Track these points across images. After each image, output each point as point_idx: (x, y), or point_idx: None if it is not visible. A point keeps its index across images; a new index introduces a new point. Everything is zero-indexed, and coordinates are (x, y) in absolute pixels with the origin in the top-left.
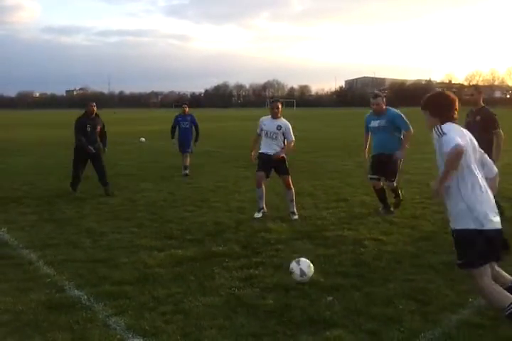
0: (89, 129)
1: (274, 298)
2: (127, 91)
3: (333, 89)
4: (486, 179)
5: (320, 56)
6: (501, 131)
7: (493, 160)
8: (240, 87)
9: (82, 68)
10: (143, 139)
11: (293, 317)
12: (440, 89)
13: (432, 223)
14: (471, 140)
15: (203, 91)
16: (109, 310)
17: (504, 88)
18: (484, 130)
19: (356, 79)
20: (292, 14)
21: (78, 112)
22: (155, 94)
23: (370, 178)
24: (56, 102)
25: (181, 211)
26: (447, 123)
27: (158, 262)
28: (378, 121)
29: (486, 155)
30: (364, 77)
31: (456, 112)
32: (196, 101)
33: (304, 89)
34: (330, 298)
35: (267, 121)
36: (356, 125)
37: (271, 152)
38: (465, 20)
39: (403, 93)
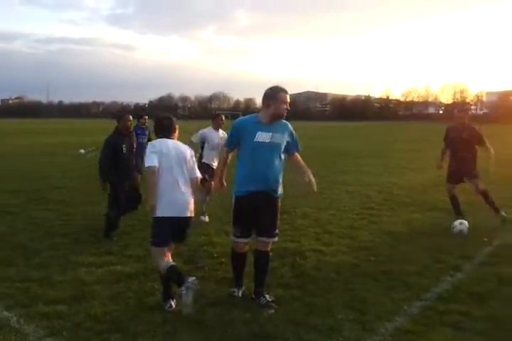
0: (125, 151)
1: (217, 313)
2: (67, 100)
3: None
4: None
5: (265, 70)
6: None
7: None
8: (185, 98)
9: (20, 76)
10: (82, 151)
11: (235, 331)
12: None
13: (369, 233)
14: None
15: (147, 102)
16: (42, 332)
17: (437, 104)
18: (470, 145)
19: (300, 93)
20: (238, 28)
21: (16, 121)
22: (96, 104)
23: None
24: None
25: (122, 226)
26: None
27: (96, 279)
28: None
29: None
30: (307, 92)
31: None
32: (140, 112)
33: (249, 102)
34: (271, 311)
35: (209, 133)
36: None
37: (215, 164)
38: (402, 38)
39: (344, 108)
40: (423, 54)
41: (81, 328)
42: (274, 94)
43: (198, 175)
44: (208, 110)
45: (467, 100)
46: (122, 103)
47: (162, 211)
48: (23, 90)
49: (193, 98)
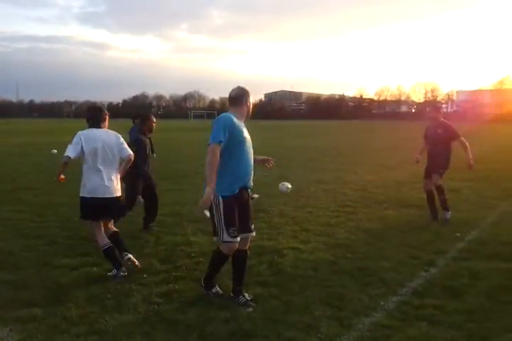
0: (147, 151)
1: (195, 312)
2: (38, 100)
3: (253, 102)
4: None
5: (240, 69)
6: (462, 139)
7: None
8: (159, 97)
9: None
10: (55, 151)
11: (214, 330)
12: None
13: (346, 230)
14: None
15: (120, 101)
16: (16, 336)
17: (409, 103)
18: (445, 140)
19: (275, 92)
20: (212, 27)
21: None
22: (69, 104)
23: None
24: None
25: None
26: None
27: (72, 281)
28: None
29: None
30: (282, 91)
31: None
32: (114, 111)
33: (225, 101)
34: (250, 309)
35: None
36: (275, 137)
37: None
38: (374, 39)
39: (318, 107)
40: (395, 53)
41: (57, 331)
42: (249, 94)
43: (129, 152)
44: (182, 109)
45: (438, 99)
46: (95, 102)
47: (89, 192)
48: None
49: (167, 97)
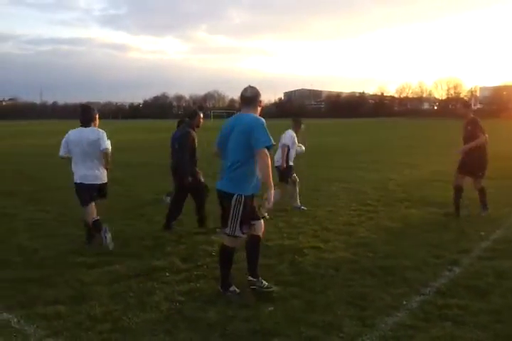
0: (196, 147)
1: (217, 311)
2: (61, 101)
3: (272, 101)
4: None
5: (259, 68)
6: (484, 135)
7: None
8: (179, 97)
9: (12, 77)
10: None
11: (235, 329)
12: None
13: (367, 229)
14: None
15: (141, 102)
16: (42, 332)
17: (432, 100)
18: (473, 137)
19: (294, 91)
20: (230, 27)
21: (10, 123)
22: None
23: None
24: None
25: (119, 225)
26: None
27: (95, 279)
28: None
29: None
30: (302, 89)
31: None
32: (135, 112)
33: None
34: (271, 308)
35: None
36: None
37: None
38: (396, 36)
39: (339, 105)
40: (416, 50)
41: (81, 328)
42: (260, 94)
43: (105, 146)
44: (202, 109)
45: (461, 95)
46: (117, 103)
47: (78, 179)
48: (16, 92)
49: (187, 97)
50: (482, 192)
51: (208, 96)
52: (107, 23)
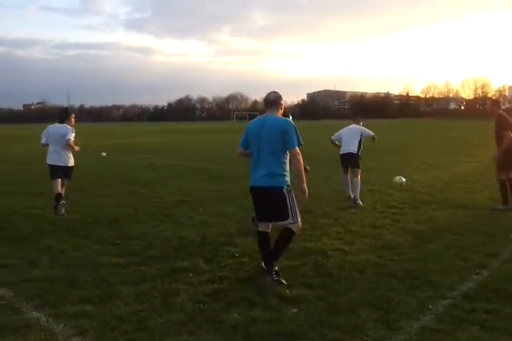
0: None
1: (240, 312)
2: (87, 104)
3: (295, 102)
4: None
5: (281, 70)
6: (510, 133)
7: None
8: (203, 100)
9: (40, 82)
10: (104, 154)
11: (258, 330)
12: None
13: (391, 232)
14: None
15: (165, 104)
16: (69, 331)
17: (458, 100)
18: (498, 131)
19: (318, 92)
20: (253, 29)
21: (36, 127)
22: (116, 108)
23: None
24: (13, 117)
25: (144, 226)
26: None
27: (120, 280)
28: None
29: None
30: (325, 90)
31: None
32: (159, 114)
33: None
34: (295, 310)
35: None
36: (319, 136)
37: None
38: (420, 35)
39: (363, 105)
40: (442, 49)
41: (107, 328)
42: (282, 97)
43: (68, 137)
44: (225, 111)
45: (489, 95)
46: (141, 106)
47: (49, 161)
48: (44, 95)
49: (210, 99)
50: (505, 187)
51: (230, 98)
52: (131, 27)
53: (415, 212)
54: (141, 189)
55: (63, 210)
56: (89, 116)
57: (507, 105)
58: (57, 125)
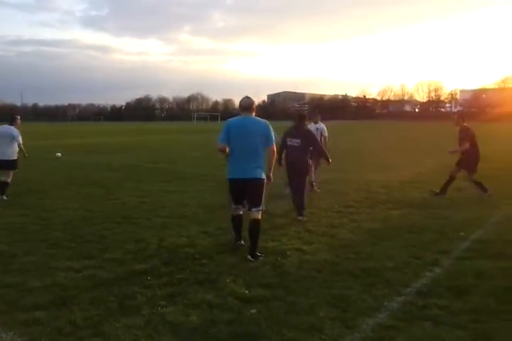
0: None
1: (198, 315)
2: (42, 103)
3: (256, 103)
4: None
5: (243, 71)
6: (467, 143)
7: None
8: (163, 100)
9: None
10: (59, 154)
11: (218, 332)
12: None
13: (349, 231)
14: None
15: (124, 104)
16: (20, 339)
17: (413, 102)
18: (461, 142)
19: (278, 93)
20: (213, 29)
21: None
22: (72, 107)
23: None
24: None
25: (100, 229)
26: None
27: (76, 284)
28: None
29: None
30: (285, 92)
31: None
32: (117, 114)
33: (228, 102)
34: (254, 311)
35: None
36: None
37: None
38: (377, 39)
39: (322, 107)
40: (398, 52)
41: (61, 334)
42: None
43: (18, 139)
44: (186, 111)
45: (442, 98)
46: (99, 105)
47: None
48: None
49: (171, 99)
50: (477, 183)
51: (191, 99)
52: (88, 25)
53: (371, 211)
54: (97, 190)
55: (4, 196)
56: (43, 115)
57: (458, 108)
58: (6, 126)
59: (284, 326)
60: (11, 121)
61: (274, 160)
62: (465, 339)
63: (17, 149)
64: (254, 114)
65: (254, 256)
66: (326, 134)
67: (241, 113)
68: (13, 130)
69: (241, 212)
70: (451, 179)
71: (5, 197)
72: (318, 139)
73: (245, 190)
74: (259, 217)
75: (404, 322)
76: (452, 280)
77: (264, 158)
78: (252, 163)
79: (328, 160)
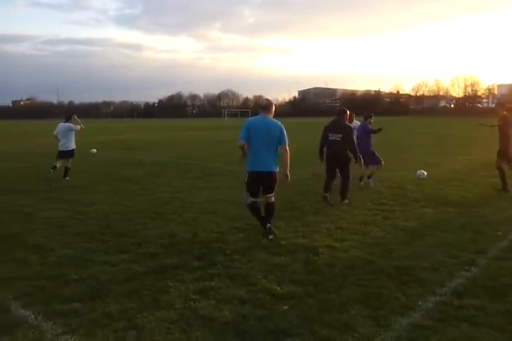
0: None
1: (230, 310)
2: (77, 101)
3: (287, 99)
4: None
5: (274, 67)
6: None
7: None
8: (194, 97)
9: (29, 78)
10: (94, 150)
11: (249, 328)
12: None
13: (382, 229)
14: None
15: (156, 101)
16: (59, 329)
17: (448, 98)
18: (502, 131)
19: (309, 89)
20: (244, 26)
21: (25, 123)
22: (107, 104)
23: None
24: (2, 113)
25: (134, 224)
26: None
27: (111, 277)
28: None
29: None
30: (316, 88)
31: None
32: (150, 111)
33: (258, 99)
34: (285, 307)
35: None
36: (308, 134)
37: None
38: (411, 33)
39: (354, 103)
40: (433, 47)
41: (97, 326)
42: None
43: (71, 127)
44: (217, 108)
45: (478, 93)
46: (132, 102)
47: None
48: (33, 92)
49: (202, 96)
50: (502, 171)
51: (222, 95)
52: (122, 23)
53: (405, 209)
54: (132, 186)
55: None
56: (79, 112)
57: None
58: (63, 124)
59: (316, 323)
60: (67, 119)
61: (288, 159)
62: None
63: (74, 141)
64: (272, 114)
65: (270, 231)
66: None
67: (260, 113)
68: (70, 125)
69: (257, 201)
70: (500, 171)
71: (67, 178)
72: (354, 137)
73: (261, 182)
74: (273, 200)
75: (438, 322)
76: (489, 281)
77: (278, 156)
78: (268, 158)
79: (356, 159)
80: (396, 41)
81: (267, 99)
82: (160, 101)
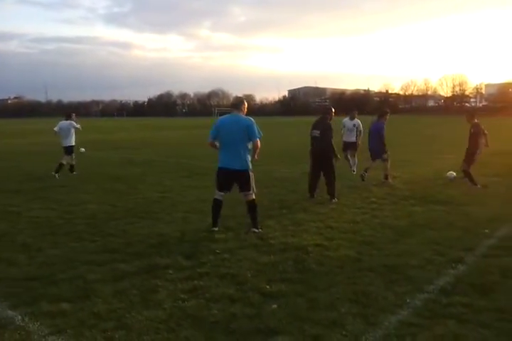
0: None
1: (220, 309)
2: (66, 99)
3: (276, 98)
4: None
5: (263, 66)
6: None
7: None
8: (184, 95)
9: (17, 76)
10: (83, 149)
11: (238, 326)
12: None
13: (371, 227)
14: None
15: (146, 100)
16: (46, 330)
17: (437, 97)
18: (474, 138)
19: (299, 88)
20: (234, 24)
21: (16, 121)
22: (96, 103)
23: None
24: None
25: (123, 223)
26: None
27: (99, 277)
28: None
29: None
30: (306, 87)
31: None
32: (139, 110)
33: (248, 98)
34: (274, 306)
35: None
36: (297, 133)
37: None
38: (401, 33)
39: (343, 102)
40: (421, 47)
41: (85, 326)
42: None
43: (73, 124)
44: (207, 107)
45: (466, 93)
46: (121, 101)
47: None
48: (21, 90)
49: (192, 95)
50: (468, 174)
51: (212, 94)
52: (110, 21)
53: (394, 207)
54: (120, 185)
55: None
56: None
57: (484, 103)
58: (64, 122)
59: (306, 321)
60: (67, 117)
61: (258, 150)
62: (490, 338)
63: (74, 138)
64: (243, 112)
65: (256, 227)
66: (362, 129)
67: (232, 111)
68: (72, 123)
69: (222, 199)
70: (467, 174)
71: (75, 172)
72: (356, 134)
73: (231, 179)
74: (253, 198)
75: (427, 319)
76: (477, 278)
77: (250, 151)
78: (238, 156)
79: (336, 157)
80: (385, 41)
81: (238, 97)
82: (149, 100)
